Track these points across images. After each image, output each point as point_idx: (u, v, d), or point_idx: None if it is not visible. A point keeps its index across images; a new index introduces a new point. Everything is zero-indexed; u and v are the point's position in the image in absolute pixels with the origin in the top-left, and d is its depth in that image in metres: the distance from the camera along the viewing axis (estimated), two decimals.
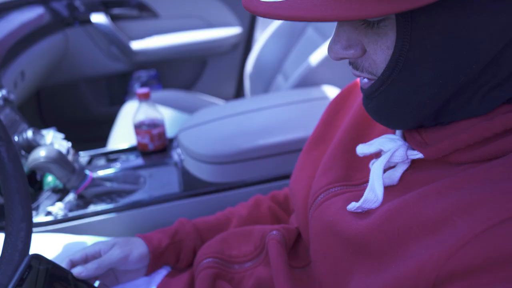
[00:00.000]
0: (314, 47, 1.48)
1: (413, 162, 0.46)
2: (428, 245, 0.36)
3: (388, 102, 0.41)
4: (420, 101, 0.39)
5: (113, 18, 1.80)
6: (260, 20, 1.90)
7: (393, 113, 0.42)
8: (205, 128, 1.02)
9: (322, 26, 1.50)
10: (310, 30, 1.59)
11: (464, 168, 0.40)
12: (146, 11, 1.84)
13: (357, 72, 0.42)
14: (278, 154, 0.92)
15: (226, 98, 2.00)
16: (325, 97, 1.09)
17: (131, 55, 1.81)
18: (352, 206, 0.46)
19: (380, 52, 0.39)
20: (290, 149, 0.91)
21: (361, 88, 0.44)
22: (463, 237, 0.33)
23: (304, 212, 0.58)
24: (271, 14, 0.35)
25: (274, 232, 0.61)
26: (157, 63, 1.91)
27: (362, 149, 0.49)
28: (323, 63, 1.21)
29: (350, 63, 0.43)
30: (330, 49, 0.42)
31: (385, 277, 0.39)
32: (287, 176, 0.92)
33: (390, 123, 0.44)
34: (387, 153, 0.46)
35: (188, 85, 2.00)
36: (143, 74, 1.94)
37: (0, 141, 0.64)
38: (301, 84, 1.24)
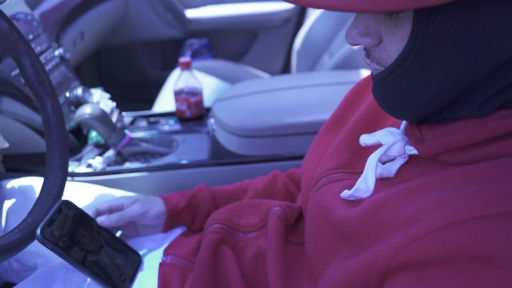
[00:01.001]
0: None
1: (411, 158, 0.47)
2: (393, 238, 0.38)
3: (394, 92, 0.42)
4: (426, 97, 0.40)
5: None
6: None
7: (398, 104, 0.43)
8: (238, 101, 1.05)
9: None
10: None
11: (453, 169, 0.41)
12: None
13: (368, 61, 0.44)
14: (302, 133, 0.94)
15: (273, 73, 2.02)
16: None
17: (185, 22, 1.87)
18: (345, 193, 0.48)
19: (395, 42, 0.39)
20: (315, 130, 0.92)
21: (371, 74, 0.46)
22: (418, 232, 0.35)
23: (306, 192, 0.60)
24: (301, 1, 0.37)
25: (277, 208, 0.65)
26: (209, 32, 1.96)
27: (364, 139, 0.50)
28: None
29: (364, 49, 0.45)
30: (347, 34, 0.43)
31: (351, 263, 0.41)
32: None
33: (395, 112, 0.45)
34: (384, 146, 0.47)
35: (237, 57, 2.03)
36: (195, 42, 2.00)
37: (47, 96, 0.72)
38: (342, 65, 1.23)
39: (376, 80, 0.44)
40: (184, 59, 1.13)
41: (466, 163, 0.40)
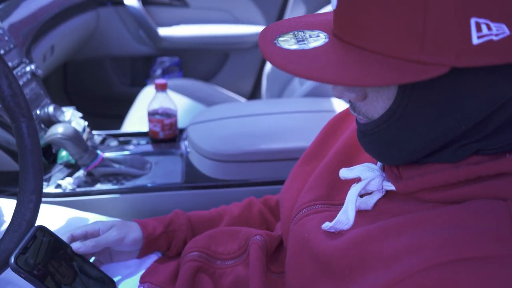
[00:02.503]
0: None
1: (388, 193, 0.50)
2: (376, 276, 0.40)
3: (381, 142, 0.45)
4: (410, 148, 0.43)
5: (145, 2, 1.86)
6: None
7: (383, 152, 0.46)
8: (213, 125, 1.07)
9: None
10: None
11: (428, 207, 0.44)
12: None
13: (355, 114, 0.47)
14: (276, 160, 0.97)
15: (243, 95, 2.05)
16: (331, 110, 1.12)
17: (157, 40, 1.87)
18: (326, 225, 0.51)
19: (381, 101, 0.42)
20: (288, 157, 0.96)
21: (357, 122, 0.49)
22: (402, 273, 0.38)
23: (287, 223, 0.62)
24: (283, 66, 0.39)
25: (258, 237, 0.66)
26: (181, 51, 1.97)
27: (344, 173, 0.53)
28: None
29: (349, 103, 0.48)
30: (334, 87, 0.45)
31: None
32: (281, 182, 0.97)
33: (380, 158, 0.48)
34: (364, 181, 0.50)
35: (208, 77, 2.05)
36: (166, 60, 2.00)
37: (23, 117, 0.71)
38: (312, 93, 1.28)
39: (363, 129, 0.47)
40: (160, 80, 1.13)
41: (439, 201, 0.44)
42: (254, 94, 2.12)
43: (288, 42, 0.43)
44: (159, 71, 1.99)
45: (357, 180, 0.55)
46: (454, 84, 0.38)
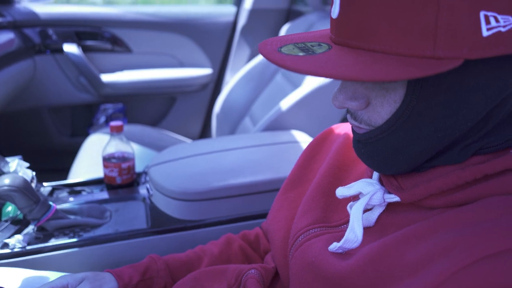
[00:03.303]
0: (282, 92, 1.55)
1: (389, 206, 0.50)
2: (407, 285, 0.39)
3: (385, 149, 0.44)
4: (416, 151, 0.43)
5: (86, 49, 1.80)
6: (231, 63, 1.96)
7: (387, 159, 0.45)
8: (177, 164, 1.02)
9: (290, 73, 1.57)
10: (279, 76, 1.66)
11: (437, 212, 0.44)
12: (119, 45, 1.86)
13: (356, 123, 0.46)
14: (248, 194, 0.94)
15: (192, 137, 2.02)
16: (294, 141, 1.13)
17: (99, 87, 1.81)
18: (334, 246, 0.49)
19: (387, 105, 0.42)
20: (260, 190, 0.94)
21: (354, 133, 0.48)
22: (439, 276, 0.36)
23: (283, 252, 0.59)
24: (296, 69, 0.38)
25: (253, 271, 0.62)
26: (125, 97, 1.91)
27: (342, 192, 0.52)
28: (292, 109, 1.27)
29: (348, 112, 0.47)
30: (335, 97, 0.45)
31: None
32: (257, 216, 0.94)
33: (382, 168, 0.47)
34: (366, 196, 0.49)
35: (155, 122, 2.00)
36: (110, 107, 1.93)
37: None
38: (270, 127, 1.28)
39: (365, 138, 0.46)
40: (115, 122, 1.07)
41: (447, 206, 0.44)
42: (203, 136, 2.09)
43: (292, 51, 0.42)
44: (102, 119, 1.91)
45: (354, 198, 0.54)
46: (461, 79, 0.39)
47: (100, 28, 1.82)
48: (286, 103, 1.28)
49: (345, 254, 0.48)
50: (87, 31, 1.80)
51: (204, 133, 2.09)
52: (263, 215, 0.94)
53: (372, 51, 0.39)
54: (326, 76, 0.38)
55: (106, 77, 1.81)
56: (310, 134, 1.22)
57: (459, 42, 0.36)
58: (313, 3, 1.78)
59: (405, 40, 0.37)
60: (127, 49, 1.88)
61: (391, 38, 0.38)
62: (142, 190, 1.07)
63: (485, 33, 0.36)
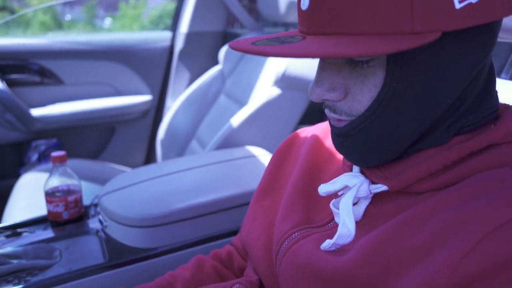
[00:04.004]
0: (228, 112, 1.54)
1: (374, 197, 0.49)
2: (425, 267, 0.37)
3: (369, 138, 0.43)
4: (400, 135, 0.43)
5: (11, 83, 1.67)
6: (171, 88, 1.92)
7: (374, 149, 0.44)
8: (131, 190, 0.96)
9: (233, 92, 1.57)
10: (223, 96, 1.65)
11: (426, 196, 0.44)
12: (49, 77, 1.74)
13: (335, 116, 0.45)
14: (213, 212, 0.90)
15: (135, 166, 1.93)
16: (251, 156, 1.11)
17: (29, 122, 1.67)
18: (327, 244, 0.47)
19: (367, 91, 0.42)
20: (226, 207, 0.90)
21: (334, 128, 0.47)
22: (461, 250, 0.36)
23: (267, 261, 0.56)
24: (283, 53, 0.37)
25: (237, 285, 0.58)
26: (59, 131, 1.78)
27: (326, 188, 0.50)
28: (243, 125, 1.25)
29: (326, 106, 0.46)
30: (312, 91, 0.43)
31: None
32: (226, 235, 0.89)
33: (368, 159, 0.46)
34: (353, 188, 0.48)
35: (94, 154, 1.89)
36: (42, 143, 1.79)
37: None
38: (223, 146, 1.26)
39: (346, 131, 0.45)
40: (57, 153, 0.98)
41: (436, 188, 0.43)
42: (148, 164, 2.00)
43: (268, 43, 0.41)
44: (35, 157, 1.76)
45: (335, 195, 0.52)
46: (437, 56, 0.40)
47: (26, 60, 1.70)
48: (236, 121, 1.26)
49: (339, 250, 0.47)
50: (11, 64, 1.68)
51: (148, 161, 2.01)
52: (233, 232, 0.89)
53: (350, 34, 0.39)
54: (314, 56, 0.37)
55: (36, 112, 1.68)
56: (265, 149, 1.21)
57: (435, 16, 0.37)
58: (249, 24, 1.81)
59: (383, 18, 0.38)
60: (58, 81, 1.77)
61: (368, 19, 0.38)
62: (93, 224, 0.98)
63: (457, 5, 0.37)
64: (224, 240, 0.89)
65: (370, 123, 0.43)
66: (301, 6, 0.43)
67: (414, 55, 0.40)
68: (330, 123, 0.48)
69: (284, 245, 0.53)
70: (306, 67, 1.25)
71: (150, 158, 2.00)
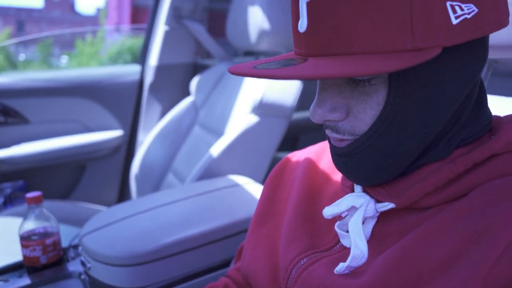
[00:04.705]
0: (204, 142, 1.52)
1: (379, 216, 0.48)
2: (450, 281, 0.37)
3: (374, 156, 0.43)
4: (405, 151, 0.43)
5: None
6: (142, 122, 1.89)
7: (379, 166, 0.44)
8: (115, 227, 0.91)
9: (208, 123, 1.56)
10: (197, 127, 1.64)
11: (435, 210, 0.44)
12: (13, 117, 1.67)
13: (338, 136, 0.44)
14: (204, 244, 0.87)
15: (109, 204, 1.85)
16: (235, 184, 1.09)
17: None
18: (341, 267, 0.46)
19: (370, 109, 0.42)
20: (217, 238, 0.87)
21: (335, 148, 0.46)
22: (490, 258, 0.36)
23: None
24: (288, 75, 0.37)
25: None
26: (25, 172, 1.70)
27: (332, 211, 0.49)
28: (223, 155, 1.24)
29: (327, 127, 0.45)
30: (314, 113, 0.43)
31: None
32: (219, 266, 0.86)
33: (373, 178, 0.45)
34: (360, 208, 0.47)
35: (64, 194, 1.80)
36: (8, 186, 1.69)
37: None
38: (204, 177, 1.23)
39: (349, 150, 0.45)
40: (32, 193, 0.93)
41: (443, 202, 0.44)
42: (121, 201, 1.93)
43: (269, 66, 0.41)
44: (0, 201, 1.66)
45: (338, 218, 0.52)
46: (437, 71, 0.41)
47: None
48: (216, 150, 1.25)
49: (353, 273, 0.46)
50: None
51: (122, 198, 1.94)
52: (226, 264, 0.87)
53: (352, 54, 0.40)
54: (321, 78, 0.37)
55: (0, 153, 1.60)
56: (247, 177, 1.20)
57: (435, 31, 0.38)
58: (219, 55, 1.82)
59: (384, 36, 0.38)
60: (23, 120, 1.70)
61: (369, 37, 0.38)
62: (74, 266, 0.92)
63: (454, 21, 0.38)
64: (218, 272, 0.86)
65: (374, 141, 0.43)
66: (299, 28, 0.43)
67: (415, 71, 0.41)
68: (330, 143, 0.48)
69: (294, 273, 0.51)
70: (283, 93, 1.27)
71: (123, 195, 1.93)
